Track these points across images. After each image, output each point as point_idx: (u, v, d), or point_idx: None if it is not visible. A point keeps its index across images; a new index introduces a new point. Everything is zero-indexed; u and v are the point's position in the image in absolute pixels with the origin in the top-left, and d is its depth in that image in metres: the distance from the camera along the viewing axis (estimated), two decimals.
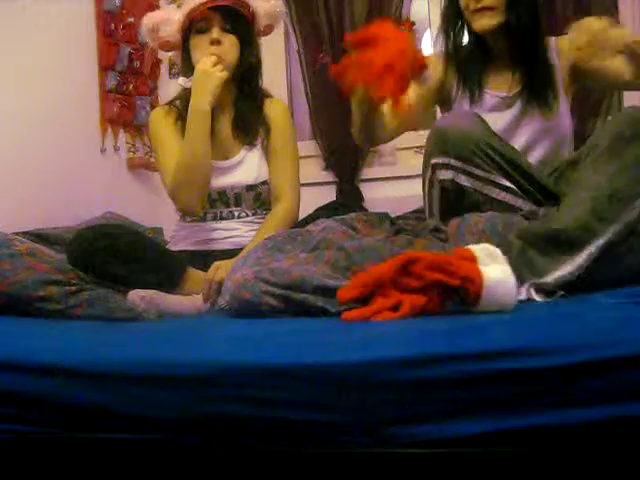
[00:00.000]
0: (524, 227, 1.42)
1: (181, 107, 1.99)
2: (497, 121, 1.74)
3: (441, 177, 1.58)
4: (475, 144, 1.54)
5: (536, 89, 1.77)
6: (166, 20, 1.94)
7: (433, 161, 1.59)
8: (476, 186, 1.55)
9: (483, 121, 1.61)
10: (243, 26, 1.95)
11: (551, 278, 1.34)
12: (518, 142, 1.77)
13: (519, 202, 1.56)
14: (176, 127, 1.97)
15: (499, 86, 1.82)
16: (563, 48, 1.80)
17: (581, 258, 1.33)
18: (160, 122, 1.99)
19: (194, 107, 1.84)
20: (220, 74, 1.83)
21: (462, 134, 1.55)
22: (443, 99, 1.92)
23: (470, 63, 1.83)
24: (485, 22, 1.73)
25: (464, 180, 1.56)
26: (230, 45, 1.91)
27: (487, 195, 1.56)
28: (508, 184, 1.56)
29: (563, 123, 1.80)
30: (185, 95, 1.97)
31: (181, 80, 1.93)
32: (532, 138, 1.79)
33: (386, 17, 2.94)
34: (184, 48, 1.96)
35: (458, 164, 1.55)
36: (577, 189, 1.42)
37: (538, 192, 1.57)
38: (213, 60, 1.84)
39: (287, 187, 1.99)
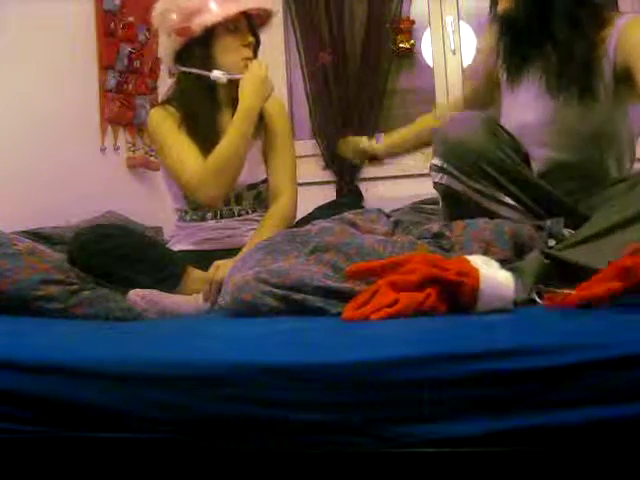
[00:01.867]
0: (558, 253, 1.40)
1: (179, 107, 1.98)
2: (536, 109, 1.71)
3: (436, 180, 1.59)
4: (473, 160, 1.52)
5: (553, 78, 1.65)
6: (200, 11, 1.92)
7: (431, 162, 1.60)
8: (472, 196, 1.54)
9: (491, 129, 1.55)
10: (257, 29, 2.02)
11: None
12: (549, 134, 1.70)
13: (517, 217, 1.53)
14: (179, 128, 1.96)
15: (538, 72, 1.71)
16: (623, 38, 1.60)
17: None
18: (164, 122, 1.98)
19: (248, 106, 1.88)
20: (272, 84, 1.92)
21: (461, 146, 1.53)
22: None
23: (514, 46, 1.71)
24: (499, 7, 1.68)
25: (458, 186, 1.55)
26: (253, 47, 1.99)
27: (484, 208, 1.54)
28: (508, 200, 1.54)
29: (591, 120, 1.65)
30: (181, 94, 1.97)
31: (218, 73, 1.93)
32: (552, 133, 1.71)
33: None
34: (203, 42, 1.95)
35: (454, 172, 1.54)
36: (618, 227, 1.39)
37: (542, 208, 1.55)
38: (266, 67, 1.91)
39: (285, 185, 2.00)
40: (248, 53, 1.96)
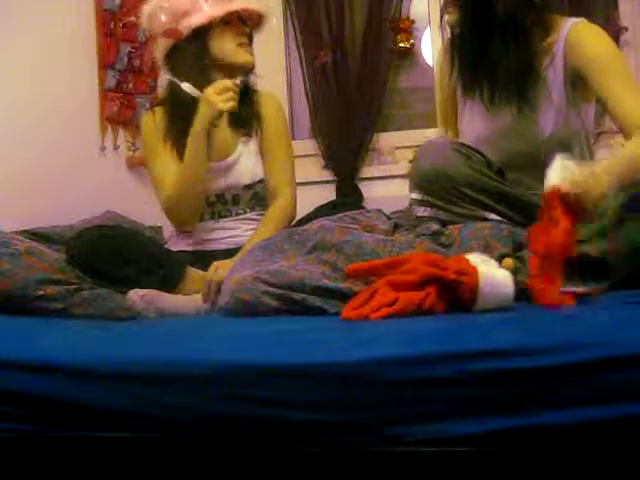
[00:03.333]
0: None
1: (171, 108, 1.98)
2: (488, 119, 1.73)
3: (419, 214, 1.59)
4: (451, 186, 1.53)
5: (499, 85, 1.66)
6: (188, 12, 1.91)
7: (411, 197, 1.61)
8: (458, 221, 1.55)
9: (462, 151, 1.57)
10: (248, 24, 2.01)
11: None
12: (501, 142, 1.73)
13: None
14: (167, 134, 1.96)
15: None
16: (574, 41, 1.65)
17: (602, 285, 1.34)
18: (150, 134, 1.99)
19: (193, 130, 1.84)
20: (223, 105, 1.79)
21: (438, 175, 1.53)
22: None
23: (463, 58, 1.76)
24: (448, 18, 1.69)
25: (443, 215, 1.56)
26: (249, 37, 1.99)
27: None
28: (494, 216, 1.55)
29: (546, 124, 1.69)
30: (175, 94, 1.97)
31: (187, 87, 1.92)
32: (505, 137, 1.73)
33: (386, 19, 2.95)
34: (197, 37, 1.94)
35: (436, 202, 1.56)
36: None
37: (525, 217, 1.55)
38: (222, 87, 1.80)
39: (283, 185, 2.00)
40: (244, 39, 1.96)
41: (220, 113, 1.80)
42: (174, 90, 1.97)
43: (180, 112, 1.92)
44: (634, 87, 1.59)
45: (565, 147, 1.70)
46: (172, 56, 1.97)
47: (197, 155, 1.84)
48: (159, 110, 2.02)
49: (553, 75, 1.67)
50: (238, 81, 1.87)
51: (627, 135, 1.57)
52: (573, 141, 1.72)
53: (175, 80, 1.95)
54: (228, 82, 1.81)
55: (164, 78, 2.02)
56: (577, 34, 1.66)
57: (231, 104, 1.80)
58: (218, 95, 1.78)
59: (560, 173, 1.27)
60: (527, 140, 1.71)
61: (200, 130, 1.82)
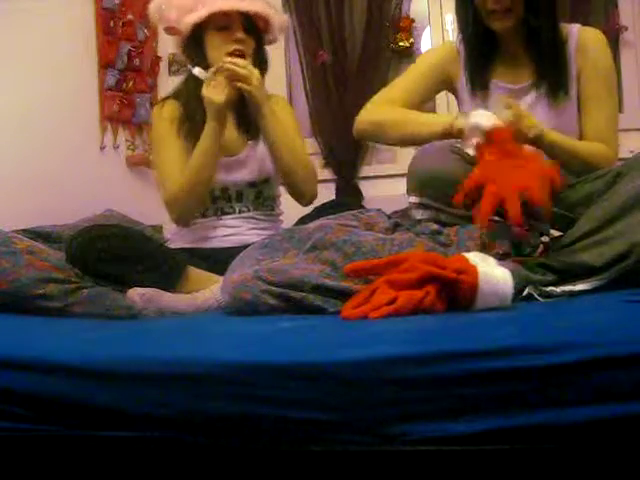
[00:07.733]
0: (544, 261, 1.42)
1: (183, 101, 1.99)
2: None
3: (417, 217, 1.59)
4: (448, 187, 1.51)
5: (550, 83, 1.74)
6: (191, 9, 1.93)
7: (409, 200, 1.61)
8: (456, 222, 1.55)
9: (459, 153, 1.57)
10: (258, 31, 2.00)
11: (560, 290, 1.35)
12: None
13: None
14: (177, 126, 1.96)
15: (507, 78, 1.80)
16: (583, 44, 1.75)
17: (598, 282, 1.34)
18: (162, 122, 1.98)
19: (207, 125, 1.86)
20: (216, 98, 1.82)
21: (433, 177, 1.55)
22: (448, 87, 1.93)
23: (476, 55, 1.81)
24: (502, 24, 1.71)
25: (441, 217, 1.57)
26: (249, 47, 1.95)
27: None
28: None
29: (572, 119, 1.76)
30: (187, 88, 1.98)
31: (197, 71, 1.93)
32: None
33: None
34: (195, 40, 1.96)
35: (434, 204, 1.57)
36: (609, 225, 1.42)
37: (525, 215, 1.56)
38: (215, 82, 1.84)
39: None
40: (233, 47, 1.93)
41: (220, 106, 1.83)
42: (189, 78, 1.99)
43: (194, 102, 1.94)
44: (612, 104, 1.73)
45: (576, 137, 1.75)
46: (185, 49, 2.02)
47: (207, 150, 1.86)
48: (169, 103, 2.02)
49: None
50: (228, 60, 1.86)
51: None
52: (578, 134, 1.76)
53: (189, 67, 1.98)
54: (213, 81, 1.84)
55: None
56: (589, 39, 1.76)
57: (226, 93, 1.82)
58: (212, 89, 1.82)
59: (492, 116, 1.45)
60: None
61: (211, 125, 1.85)
